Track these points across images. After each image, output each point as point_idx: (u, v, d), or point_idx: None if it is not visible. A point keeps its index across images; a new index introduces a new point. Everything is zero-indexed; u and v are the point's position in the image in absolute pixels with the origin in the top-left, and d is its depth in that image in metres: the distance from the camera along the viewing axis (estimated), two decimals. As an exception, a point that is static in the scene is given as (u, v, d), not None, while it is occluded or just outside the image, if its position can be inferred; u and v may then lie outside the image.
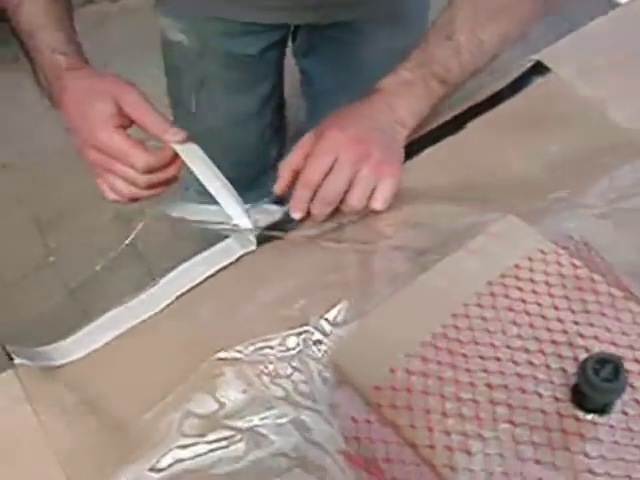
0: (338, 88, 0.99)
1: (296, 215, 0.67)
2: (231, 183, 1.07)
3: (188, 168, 0.68)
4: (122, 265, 1.69)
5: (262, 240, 0.68)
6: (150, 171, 0.65)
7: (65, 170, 1.89)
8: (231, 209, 0.67)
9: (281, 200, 0.71)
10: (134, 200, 0.70)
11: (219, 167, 1.06)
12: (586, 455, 0.52)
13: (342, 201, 0.66)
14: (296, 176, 0.68)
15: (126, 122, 0.65)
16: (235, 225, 0.67)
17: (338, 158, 0.65)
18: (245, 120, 1.04)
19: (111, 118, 0.64)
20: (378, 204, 0.67)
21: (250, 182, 1.08)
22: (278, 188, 0.70)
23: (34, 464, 0.56)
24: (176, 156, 0.67)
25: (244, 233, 0.67)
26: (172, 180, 0.68)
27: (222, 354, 0.60)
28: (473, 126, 0.80)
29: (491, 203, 0.72)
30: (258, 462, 0.55)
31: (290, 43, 1.04)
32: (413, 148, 0.76)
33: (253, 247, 0.67)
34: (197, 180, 1.10)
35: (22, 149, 1.98)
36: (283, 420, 0.57)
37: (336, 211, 0.68)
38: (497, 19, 0.71)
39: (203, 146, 1.05)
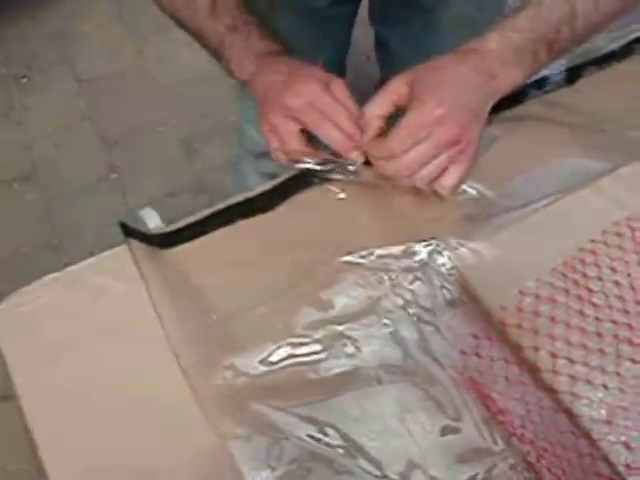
0: (413, 54, 0.95)
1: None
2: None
3: None
4: (184, 193, 1.70)
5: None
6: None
7: (138, 93, 1.90)
8: None
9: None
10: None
11: None
12: None
13: None
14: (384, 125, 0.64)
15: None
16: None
17: (430, 136, 0.59)
18: None
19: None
20: (445, 190, 0.63)
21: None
22: (367, 138, 0.63)
23: (143, 340, 0.56)
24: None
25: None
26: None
27: (344, 257, 0.59)
28: (584, 82, 0.78)
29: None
30: (365, 369, 0.55)
31: (367, 9, 1.00)
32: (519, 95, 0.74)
33: None
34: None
35: (99, 69, 1.97)
36: (399, 329, 0.56)
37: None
38: None
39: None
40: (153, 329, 0.56)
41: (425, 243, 0.60)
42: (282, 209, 0.64)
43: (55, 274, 0.60)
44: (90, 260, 0.62)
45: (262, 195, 0.65)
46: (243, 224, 0.63)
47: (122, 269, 0.60)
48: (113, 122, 1.85)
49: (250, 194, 0.64)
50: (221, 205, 0.63)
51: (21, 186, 1.74)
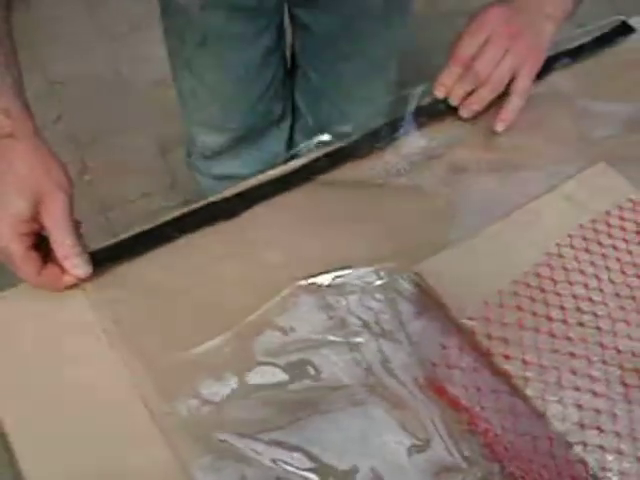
0: (334, 34, 0.97)
1: (439, 93, 0.71)
2: (238, 140, 1.08)
3: None
4: (158, 193, 1.68)
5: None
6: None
7: (111, 94, 1.88)
8: None
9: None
10: None
11: (225, 124, 1.06)
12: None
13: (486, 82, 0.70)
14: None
15: (36, 227, 0.56)
16: None
17: (491, 34, 0.68)
18: (248, 75, 1.01)
19: (22, 222, 0.55)
20: (519, 94, 0.70)
21: (256, 138, 1.08)
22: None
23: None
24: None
25: None
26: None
27: (303, 282, 0.59)
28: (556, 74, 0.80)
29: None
30: (329, 392, 0.54)
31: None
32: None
33: None
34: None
35: (71, 71, 1.95)
36: (361, 350, 0.56)
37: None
38: None
39: (208, 105, 1.04)
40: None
41: (384, 264, 0.60)
42: (241, 221, 0.63)
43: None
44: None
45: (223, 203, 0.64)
46: (203, 244, 0.62)
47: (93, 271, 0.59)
48: (86, 124, 1.82)
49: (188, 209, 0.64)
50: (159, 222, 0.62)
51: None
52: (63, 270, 0.57)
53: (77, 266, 0.57)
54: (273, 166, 0.67)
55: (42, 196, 0.55)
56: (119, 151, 1.77)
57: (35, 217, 0.55)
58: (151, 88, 1.88)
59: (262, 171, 0.67)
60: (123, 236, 0.62)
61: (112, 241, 0.61)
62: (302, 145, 0.70)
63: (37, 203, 0.55)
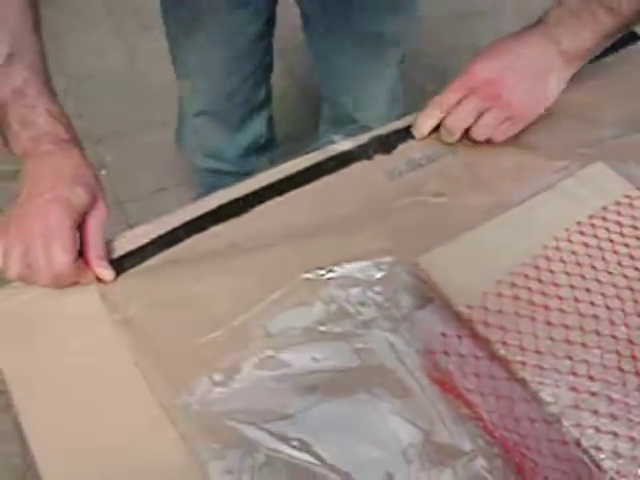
0: (338, 29, 1.02)
1: (417, 134, 0.74)
2: (222, 123, 1.15)
3: None
4: (172, 188, 1.73)
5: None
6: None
7: (127, 91, 1.94)
8: None
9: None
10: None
11: (210, 105, 1.11)
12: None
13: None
14: None
15: (79, 220, 0.60)
16: None
17: (467, 95, 0.70)
18: (237, 58, 1.06)
19: (78, 212, 0.59)
20: (498, 138, 0.72)
21: (239, 123, 1.15)
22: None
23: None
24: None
25: None
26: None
27: (306, 275, 0.61)
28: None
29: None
30: (333, 383, 0.56)
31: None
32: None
33: None
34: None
35: (88, 67, 2.02)
36: (365, 341, 0.58)
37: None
38: None
39: (196, 85, 1.11)
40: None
41: (385, 259, 0.62)
42: (252, 216, 0.66)
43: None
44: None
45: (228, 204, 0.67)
46: (213, 237, 0.65)
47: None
48: (102, 119, 1.86)
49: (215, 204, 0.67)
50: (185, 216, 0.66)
51: (8, 185, 1.76)
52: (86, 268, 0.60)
53: (106, 267, 0.61)
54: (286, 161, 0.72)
55: (96, 195, 0.62)
56: (135, 147, 1.82)
57: (85, 212, 0.61)
58: (167, 85, 1.92)
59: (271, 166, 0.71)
60: (133, 246, 0.64)
61: (126, 250, 0.64)
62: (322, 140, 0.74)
63: (93, 200, 0.62)
